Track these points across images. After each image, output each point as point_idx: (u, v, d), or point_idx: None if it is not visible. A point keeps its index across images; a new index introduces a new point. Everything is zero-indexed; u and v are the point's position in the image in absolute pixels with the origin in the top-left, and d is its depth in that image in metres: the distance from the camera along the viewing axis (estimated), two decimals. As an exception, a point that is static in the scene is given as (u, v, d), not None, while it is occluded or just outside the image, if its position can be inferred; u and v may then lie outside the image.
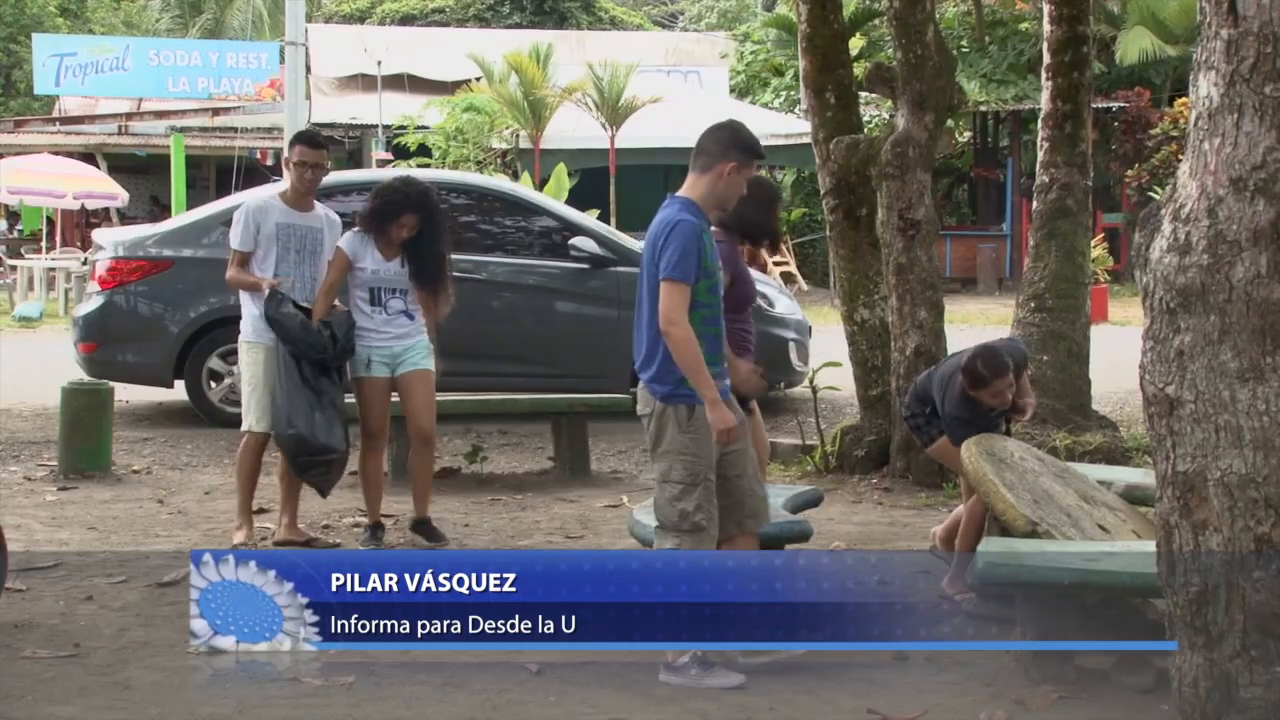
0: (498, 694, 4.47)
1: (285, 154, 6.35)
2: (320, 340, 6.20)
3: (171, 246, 10.11)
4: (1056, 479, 5.46)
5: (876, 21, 23.86)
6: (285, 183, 6.61)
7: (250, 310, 6.35)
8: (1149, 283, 2.91)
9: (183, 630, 5.14)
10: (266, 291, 6.18)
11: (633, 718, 4.24)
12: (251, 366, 6.39)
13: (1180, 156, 3.00)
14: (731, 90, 28.36)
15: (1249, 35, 2.74)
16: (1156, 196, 6.54)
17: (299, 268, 6.29)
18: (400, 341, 6.37)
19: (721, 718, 4.25)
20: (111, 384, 8.90)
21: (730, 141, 4.71)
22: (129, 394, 10.75)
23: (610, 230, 11.01)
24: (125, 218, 23.49)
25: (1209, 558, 2.81)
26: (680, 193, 4.80)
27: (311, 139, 6.47)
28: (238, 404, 10.04)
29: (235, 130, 24.97)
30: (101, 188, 21.79)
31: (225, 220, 10.23)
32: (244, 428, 6.55)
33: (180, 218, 11.66)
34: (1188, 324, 2.82)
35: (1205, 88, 2.82)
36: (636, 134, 22.51)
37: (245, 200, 6.38)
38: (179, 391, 10.33)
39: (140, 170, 27.46)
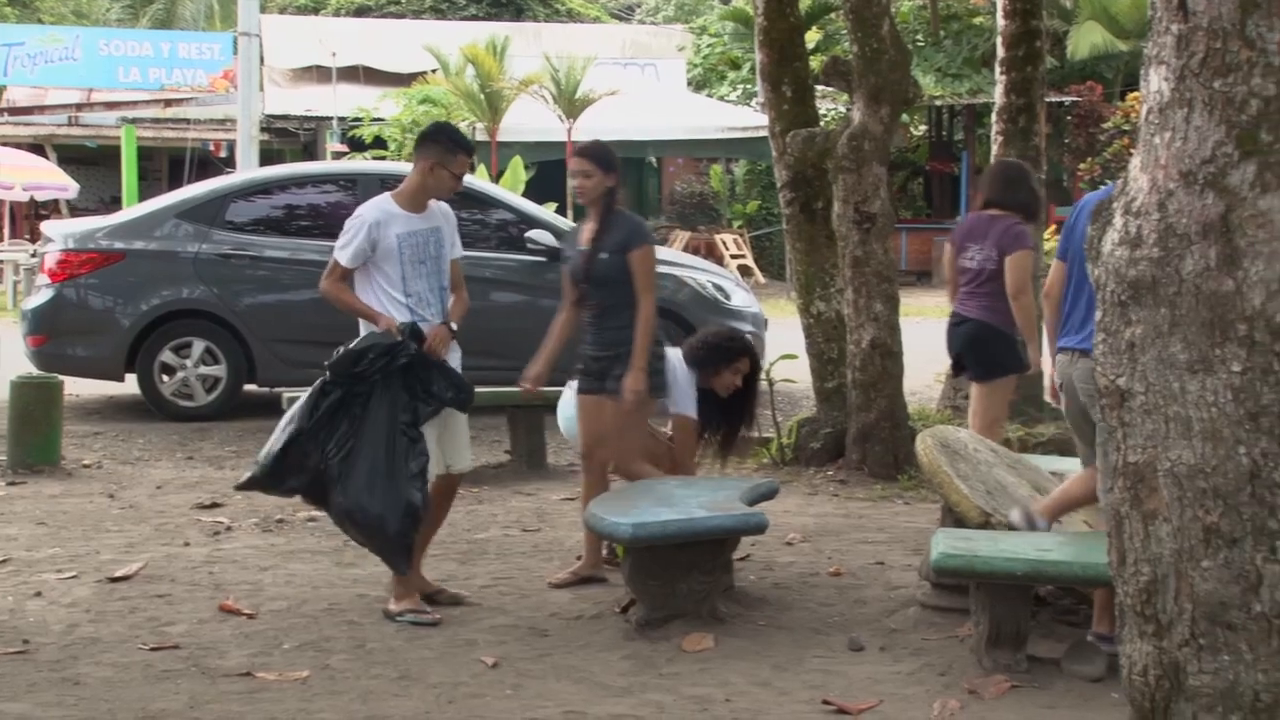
0: (454, 687, 4.44)
1: (425, 155, 5.29)
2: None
3: (123, 239, 10.01)
4: (1010, 470, 5.50)
5: (833, 15, 23.95)
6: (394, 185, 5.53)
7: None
8: (1101, 276, 2.93)
9: (134, 626, 5.10)
10: (394, 333, 5.16)
11: (589, 710, 4.23)
12: None
13: (1132, 150, 3.02)
14: (688, 83, 28.39)
15: (1199, 30, 2.76)
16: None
17: (428, 279, 5.30)
18: None
19: (677, 709, 4.24)
20: (61, 377, 8.81)
21: None
22: (79, 387, 10.63)
23: (567, 223, 10.99)
24: (75, 209, 23.23)
25: (1158, 547, 2.84)
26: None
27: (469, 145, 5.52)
28: (189, 397, 10.05)
29: (188, 122, 24.75)
30: (51, 179, 21.55)
31: (178, 212, 10.22)
32: None
33: (132, 210, 11.55)
34: (1139, 316, 2.84)
35: (1156, 82, 2.84)
36: (594, 126, 22.47)
37: (362, 211, 5.31)
38: (130, 385, 10.24)
39: (91, 161, 27.17)
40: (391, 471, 5.03)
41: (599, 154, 5.59)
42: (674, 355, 6.06)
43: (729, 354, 6.13)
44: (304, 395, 5.24)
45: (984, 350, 6.65)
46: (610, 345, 5.55)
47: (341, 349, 5.19)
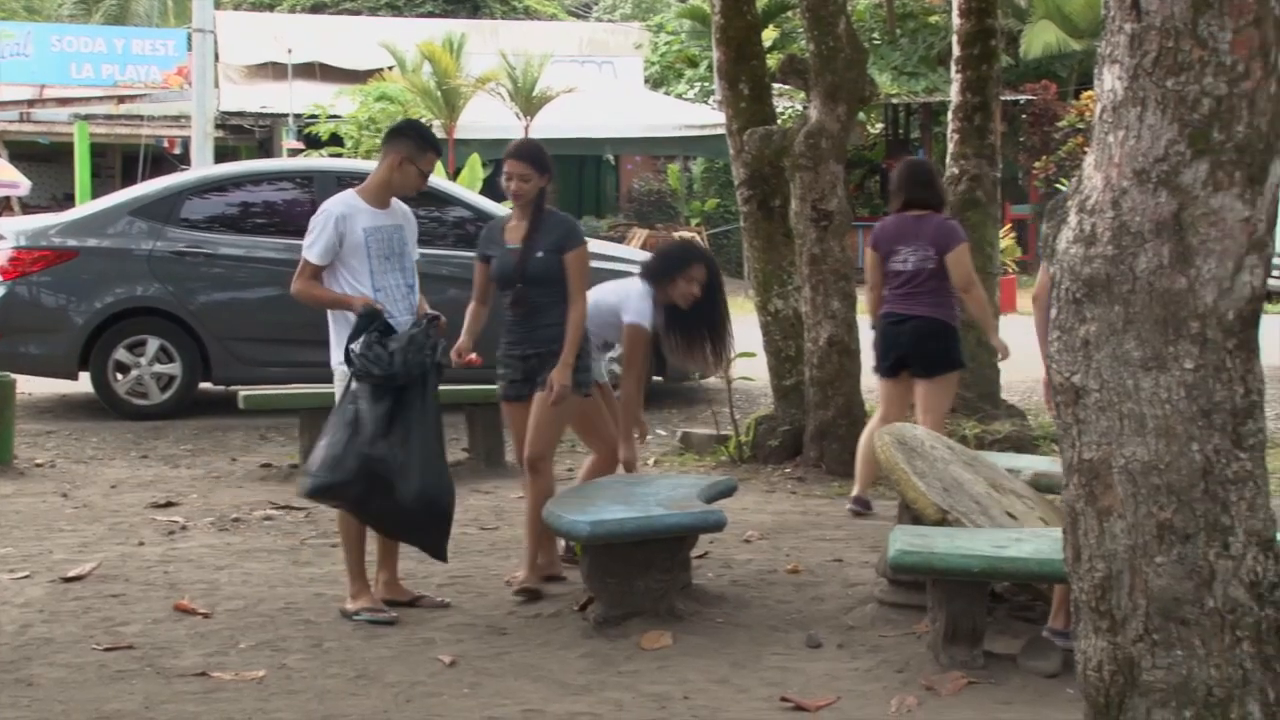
0: (411, 686, 4.42)
1: (394, 149, 5.28)
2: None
3: (76, 236, 9.91)
4: (966, 467, 5.53)
5: (789, 13, 23.99)
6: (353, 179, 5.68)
7: (343, 332, 5.20)
8: (1056, 273, 2.95)
9: (88, 626, 5.05)
10: (360, 310, 5.11)
11: (547, 708, 4.22)
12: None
13: (1086, 149, 3.04)
14: (646, 81, 28.38)
15: (1151, 29, 2.78)
16: (1063, 188, 6.66)
17: (394, 275, 5.27)
18: None
19: (636, 707, 4.24)
20: (14, 376, 8.70)
21: None
22: (32, 386, 10.52)
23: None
24: (27, 206, 22.97)
25: (1113, 543, 2.86)
26: None
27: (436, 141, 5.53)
28: (144, 396, 9.96)
29: (141, 118, 24.51)
30: (2, 176, 21.31)
31: (132, 210, 10.12)
32: None
33: (85, 207, 11.43)
34: (1093, 314, 2.86)
35: (1109, 81, 2.86)
36: (551, 124, 22.45)
37: (327, 206, 5.27)
38: (84, 383, 10.14)
39: (43, 158, 26.88)
40: (442, 457, 5.25)
41: (535, 156, 5.58)
42: (634, 280, 6.22)
43: (681, 262, 6.18)
44: (360, 403, 5.06)
45: (933, 346, 6.72)
46: (543, 343, 5.53)
47: (367, 354, 5.02)
